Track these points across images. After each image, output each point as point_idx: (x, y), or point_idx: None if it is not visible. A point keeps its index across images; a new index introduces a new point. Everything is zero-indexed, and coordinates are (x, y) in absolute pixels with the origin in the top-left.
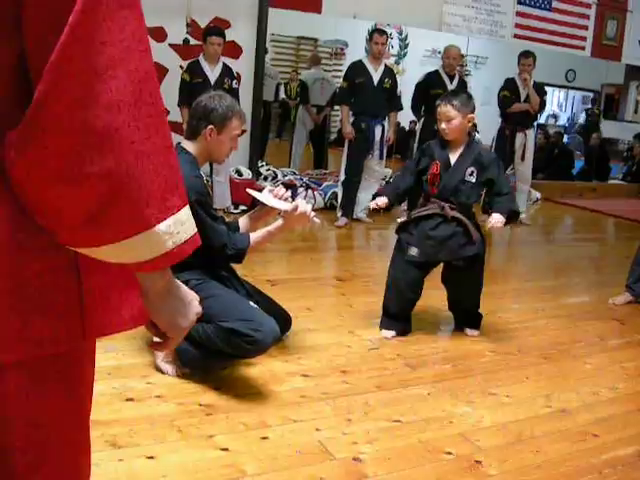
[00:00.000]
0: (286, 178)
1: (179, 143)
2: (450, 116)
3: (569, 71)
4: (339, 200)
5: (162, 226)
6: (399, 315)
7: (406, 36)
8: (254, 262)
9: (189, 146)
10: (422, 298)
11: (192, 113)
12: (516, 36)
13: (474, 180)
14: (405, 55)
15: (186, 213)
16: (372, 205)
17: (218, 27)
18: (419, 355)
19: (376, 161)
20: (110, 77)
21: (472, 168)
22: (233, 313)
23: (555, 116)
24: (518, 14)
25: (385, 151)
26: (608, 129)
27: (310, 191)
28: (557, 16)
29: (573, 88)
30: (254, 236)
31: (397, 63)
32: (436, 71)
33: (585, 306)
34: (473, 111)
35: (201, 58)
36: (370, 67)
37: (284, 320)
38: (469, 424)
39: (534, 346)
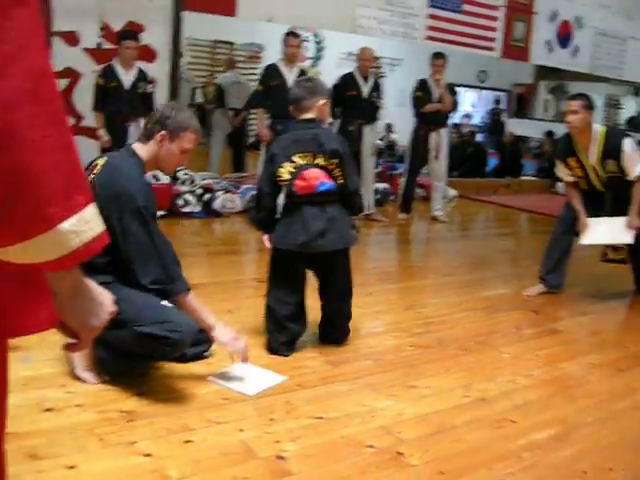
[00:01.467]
0: (204, 182)
1: (131, 144)
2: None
3: (481, 72)
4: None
5: (66, 225)
6: None
7: (322, 39)
8: None
9: (140, 149)
10: None
11: (150, 117)
12: (429, 38)
13: None
14: (321, 58)
15: (91, 211)
16: None
17: (132, 31)
18: (340, 353)
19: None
20: (5, 75)
21: None
22: (148, 316)
23: (468, 116)
24: (430, 16)
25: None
26: (520, 127)
27: (229, 194)
28: (467, 18)
29: (485, 88)
30: (193, 300)
31: (313, 66)
32: (350, 73)
33: (502, 298)
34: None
35: (115, 62)
36: (284, 70)
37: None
38: (390, 417)
39: (453, 339)
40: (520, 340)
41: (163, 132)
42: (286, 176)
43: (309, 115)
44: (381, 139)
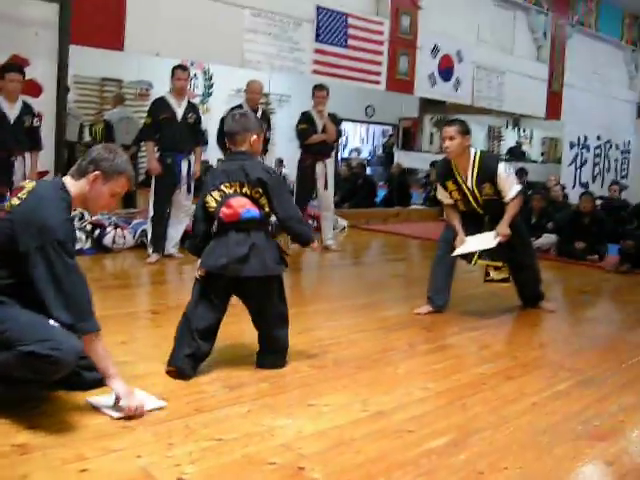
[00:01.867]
0: (93, 218)
1: (63, 175)
2: None
3: (368, 107)
4: (149, 237)
5: None
6: None
7: (211, 76)
8: None
9: (70, 184)
10: (239, 323)
11: (86, 154)
12: (315, 72)
13: None
14: (210, 95)
15: None
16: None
17: (17, 64)
18: (237, 376)
19: (184, 196)
20: None
21: None
22: (31, 334)
23: (357, 150)
24: (316, 51)
25: (193, 186)
26: (407, 159)
27: (119, 230)
28: (353, 53)
29: (373, 123)
30: (100, 345)
31: (203, 103)
32: (240, 105)
33: (395, 318)
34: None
35: None
36: (173, 103)
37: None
38: (290, 435)
39: (349, 358)
40: (414, 356)
41: (97, 172)
42: (213, 204)
43: (242, 148)
44: None
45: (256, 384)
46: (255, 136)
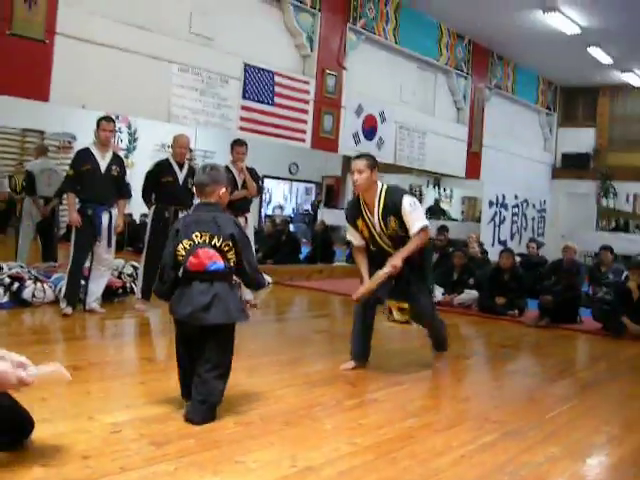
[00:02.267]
0: (12, 271)
1: None
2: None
3: (292, 164)
4: (63, 289)
5: None
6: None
7: (135, 130)
8: None
9: None
10: (164, 380)
11: None
12: (242, 129)
13: None
14: (135, 149)
15: None
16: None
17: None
18: (163, 433)
19: (104, 249)
20: None
21: None
22: None
23: (281, 207)
24: (243, 108)
25: (114, 239)
26: (330, 217)
27: (39, 283)
28: (279, 110)
29: (297, 180)
30: None
31: (127, 157)
32: (166, 159)
33: (320, 374)
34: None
35: None
36: (97, 154)
37: (25, 421)
38: None
39: (275, 414)
40: (340, 411)
41: None
42: (182, 252)
43: (211, 200)
44: None
45: (183, 440)
46: (224, 189)
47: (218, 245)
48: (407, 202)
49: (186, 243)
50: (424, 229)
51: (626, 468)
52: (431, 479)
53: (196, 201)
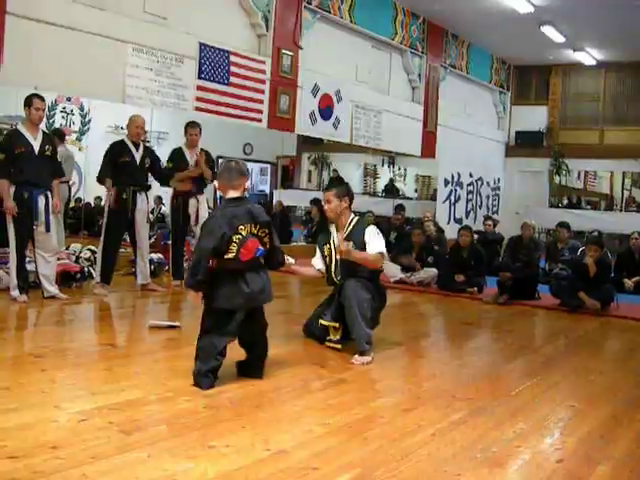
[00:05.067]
0: None
1: None
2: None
3: (246, 144)
4: (13, 277)
5: None
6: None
7: (87, 112)
8: None
9: None
10: (129, 365)
11: None
12: (198, 109)
13: None
14: (87, 131)
15: None
16: None
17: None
18: (133, 420)
19: (44, 232)
20: None
21: None
22: None
23: None
24: (198, 88)
25: (53, 222)
26: (286, 197)
27: None
28: (235, 90)
29: (251, 160)
30: None
31: (79, 140)
32: (122, 140)
33: (284, 356)
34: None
35: None
36: (28, 135)
37: None
38: (194, 478)
39: (244, 397)
40: (310, 393)
41: None
42: (234, 247)
43: (239, 193)
44: (151, 211)
45: (153, 427)
46: (248, 181)
47: (256, 233)
48: (371, 229)
49: (236, 238)
50: (381, 254)
51: (594, 441)
52: (404, 459)
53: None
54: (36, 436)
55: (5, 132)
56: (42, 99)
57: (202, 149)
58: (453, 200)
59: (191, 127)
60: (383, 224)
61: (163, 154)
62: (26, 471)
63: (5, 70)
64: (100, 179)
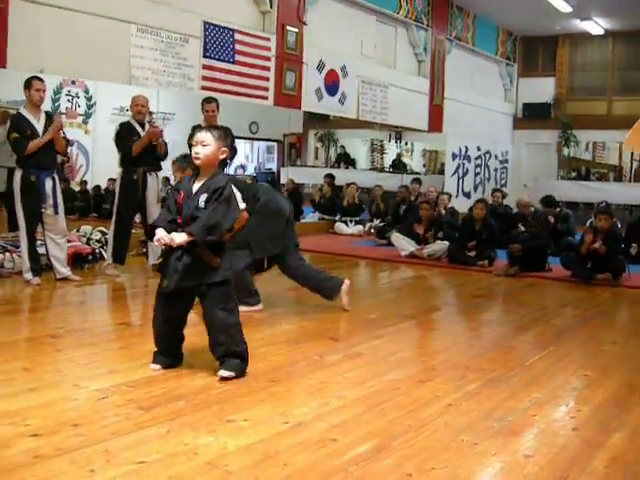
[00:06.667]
0: None
1: None
2: (206, 142)
3: (252, 123)
4: (25, 260)
5: None
6: (164, 350)
7: (92, 95)
8: None
9: None
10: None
11: None
12: (204, 88)
13: (204, 206)
14: (92, 114)
15: None
16: (156, 243)
17: None
18: (151, 397)
19: (52, 215)
20: None
21: (205, 194)
22: None
23: (243, 167)
24: (204, 67)
25: (62, 204)
26: (294, 175)
27: (8, 254)
28: (240, 68)
29: (257, 139)
30: None
31: (85, 123)
32: (128, 121)
33: (298, 331)
34: (227, 147)
35: None
36: (31, 118)
37: None
38: (214, 452)
39: (260, 372)
40: (325, 366)
41: None
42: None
43: None
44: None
45: (171, 403)
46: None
47: None
48: None
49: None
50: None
51: (608, 409)
52: (421, 429)
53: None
54: (57, 414)
55: (12, 116)
56: (41, 80)
57: (222, 126)
58: (461, 174)
59: (207, 103)
60: (392, 199)
61: (170, 135)
62: (50, 448)
63: (11, 54)
64: (127, 153)
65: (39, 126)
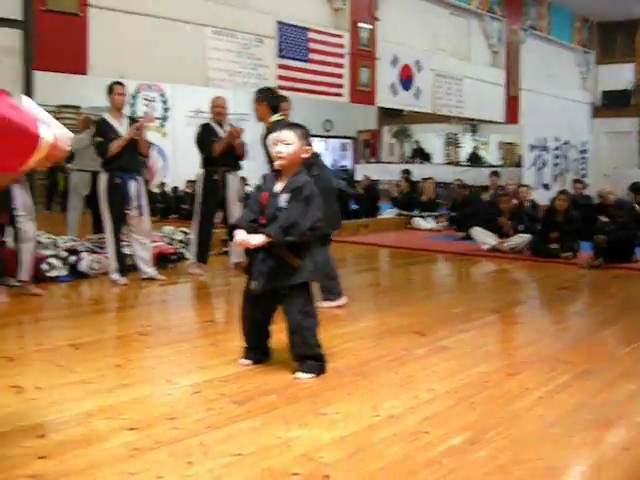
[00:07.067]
0: (67, 244)
1: None
2: (288, 140)
3: (326, 121)
4: (112, 261)
5: None
6: (253, 346)
7: (167, 98)
8: (50, 328)
9: None
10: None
11: None
12: (280, 87)
13: (286, 206)
14: (168, 118)
15: None
16: (237, 243)
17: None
18: (243, 391)
19: (137, 216)
20: None
21: (287, 194)
22: None
23: None
24: (280, 66)
25: (146, 205)
26: (369, 171)
27: (95, 255)
28: (315, 67)
29: (331, 137)
30: None
31: (162, 126)
32: (207, 123)
33: (382, 326)
34: (309, 145)
35: None
36: (115, 123)
37: None
38: (308, 444)
39: (348, 366)
40: (412, 360)
41: None
42: None
43: None
44: None
45: (263, 397)
46: None
47: None
48: None
49: None
50: None
51: None
52: (513, 421)
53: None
54: (152, 409)
55: (96, 122)
56: (122, 85)
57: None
58: (539, 165)
59: (282, 101)
60: (471, 195)
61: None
62: (148, 441)
63: (92, 62)
64: (209, 154)
65: (122, 130)
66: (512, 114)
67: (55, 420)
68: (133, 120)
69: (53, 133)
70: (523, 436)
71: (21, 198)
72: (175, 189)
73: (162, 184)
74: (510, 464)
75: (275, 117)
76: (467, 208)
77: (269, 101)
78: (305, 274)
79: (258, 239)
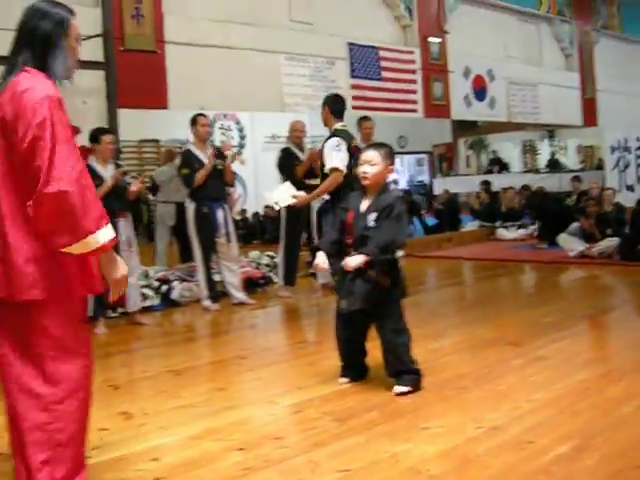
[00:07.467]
0: (159, 274)
1: None
2: (374, 161)
3: (400, 137)
4: (203, 289)
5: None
6: (349, 364)
7: (243, 126)
8: (150, 356)
9: None
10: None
11: None
12: (354, 107)
13: (375, 225)
14: (245, 145)
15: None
16: (317, 269)
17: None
18: (344, 409)
19: (225, 243)
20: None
21: (374, 213)
22: None
23: (395, 182)
24: (353, 87)
25: (234, 232)
26: (447, 185)
27: (185, 283)
28: (387, 84)
29: (406, 153)
30: None
31: (239, 154)
32: (287, 147)
33: (476, 338)
34: (392, 164)
35: None
36: (199, 153)
37: None
38: (415, 458)
39: (446, 380)
40: (511, 371)
41: None
42: None
43: None
44: None
45: (365, 414)
46: None
47: None
48: (331, 140)
49: None
50: (333, 171)
51: None
52: (619, 427)
53: None
54: (258, 429)
55: (179, 155)
56: (205, 116)
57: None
58: (622, 167)
59: (365, 121)
60: (550, 202)
61: None
62: (257, 460)
63: (172, 96)
64: (293, 177)
65: (207, 160)
66: (590, 117)
67: (166, 444)
68: (218, 149)
69: (109, 239)
70: (632, 442)
71: (125, 232)
72: (256, 214)
73: (243, 210)
74: (621, 470)
75: (339, 125)
76: (551, 215)
77: (332, 105)
78: (396, 293)
79: (357, 260)
